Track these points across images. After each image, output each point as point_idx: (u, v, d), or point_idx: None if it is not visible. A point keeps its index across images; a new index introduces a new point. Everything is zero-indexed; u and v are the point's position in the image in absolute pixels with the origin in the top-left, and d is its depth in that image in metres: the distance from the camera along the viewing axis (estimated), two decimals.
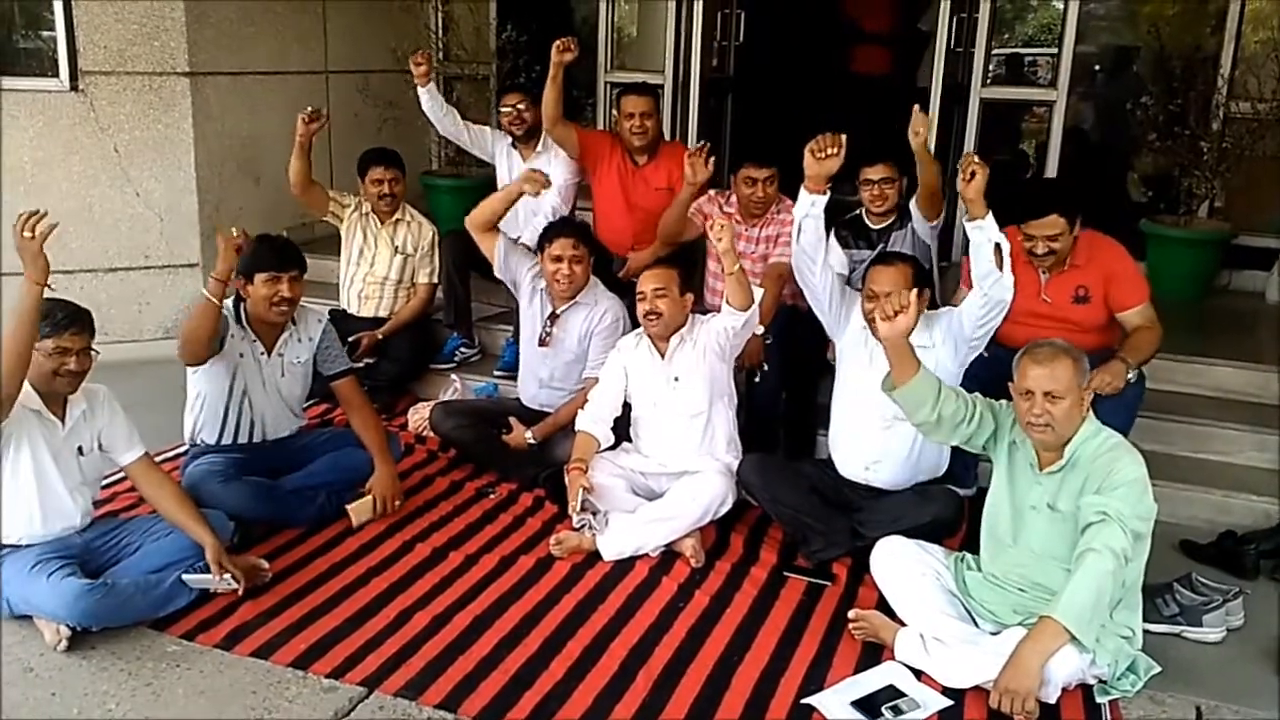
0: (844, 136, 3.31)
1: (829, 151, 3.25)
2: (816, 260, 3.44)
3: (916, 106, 3.83)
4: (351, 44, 6.10)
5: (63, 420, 2.98)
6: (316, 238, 5.49)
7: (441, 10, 6.62)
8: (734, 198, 4.29)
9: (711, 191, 4.42)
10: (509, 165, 5.00)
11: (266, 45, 5.60)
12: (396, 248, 4.75)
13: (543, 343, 4.06)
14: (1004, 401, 3.04)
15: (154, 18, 5.06)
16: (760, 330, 3.65)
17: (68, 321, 2.90)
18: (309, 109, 4.51)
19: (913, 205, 4.07)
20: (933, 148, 5.74)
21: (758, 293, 3.46)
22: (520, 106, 4.80)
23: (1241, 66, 5.35)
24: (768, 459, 3.66)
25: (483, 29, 6.52)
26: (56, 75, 5.02)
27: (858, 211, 4.23)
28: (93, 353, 2.96)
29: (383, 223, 4.76)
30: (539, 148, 4.89)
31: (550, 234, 3.95)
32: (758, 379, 3.98)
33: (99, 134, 5.11)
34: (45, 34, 5.04)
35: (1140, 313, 3.60)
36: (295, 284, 3.49)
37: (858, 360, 3.51)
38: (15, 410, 2.85)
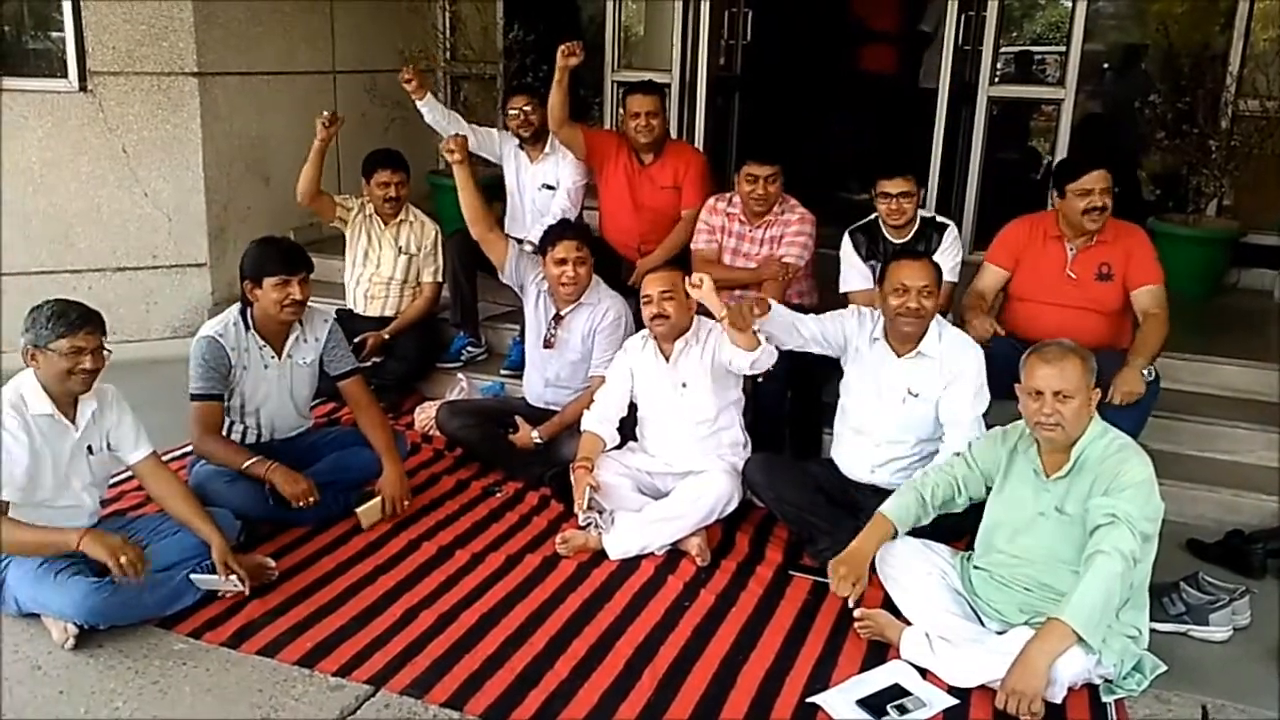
0: (770, 302, 3.40)
1: (747, 319, 3.26)
2: (789, 341, 3.52)
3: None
4: (359, 44, 6.11)
5: (74, 422, 2.99)
6: (324, 237, 5.49)
7: (449, 10, 6.62)
8: (736, 198, 4.28)
9: (711, 199, 4.40)
10: (516, 166, 5.01)
11: (274, 45, 5.61)
12: (400, 248, 4.76)
13: (548, 344, 4.06)
14: (981, 438, 3.09)
15: (162, 18, 5.07)
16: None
17: (81, 320, 2.90)
18: (325, 113, 4.51)
19: None
20: (940, 147, 5.81)
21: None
22: (527, 109, 4.80)
23: (1250, 64, 5.33)
24: (773, 458, 3.66)
25: (490, 29, 6.52)
26: (65, 76, 5.03)
27: (874, 217, 4.07)
28: (105, 352, 2.97)
29: (386, 224, 4.77)
30: (547, 149, 4.89)
31: (552, 237, 3.93)
32: (762, 379, 3.96)
33: (107, 134, 5.12)
34: (54, 35, 5.06)
35: (1152, 292, 3.66)
36: (304, 285, 3.50)
37: (861, 375, 3.52)
38: (24, 420, 2.88)
